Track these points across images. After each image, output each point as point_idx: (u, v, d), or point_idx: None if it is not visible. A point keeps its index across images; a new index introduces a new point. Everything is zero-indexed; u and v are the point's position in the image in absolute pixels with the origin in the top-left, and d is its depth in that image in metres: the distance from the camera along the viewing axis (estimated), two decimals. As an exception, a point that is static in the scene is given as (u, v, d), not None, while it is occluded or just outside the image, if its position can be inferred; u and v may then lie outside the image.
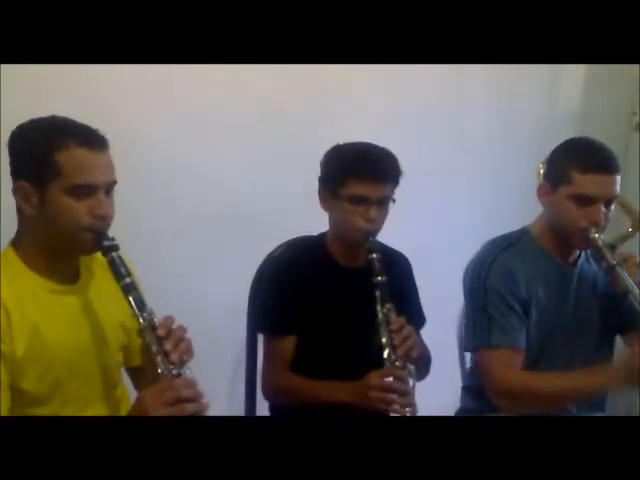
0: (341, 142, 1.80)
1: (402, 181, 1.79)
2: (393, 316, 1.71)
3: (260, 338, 1.94)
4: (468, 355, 2.05)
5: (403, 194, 1.80)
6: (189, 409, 1.31)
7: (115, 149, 1.43)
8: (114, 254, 1.40)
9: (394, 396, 1.65)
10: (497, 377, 1.76)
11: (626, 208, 2.03)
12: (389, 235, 1.83)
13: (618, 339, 1.97)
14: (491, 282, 1.79)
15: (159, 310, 1.40)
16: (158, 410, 1.30)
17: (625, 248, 1.88)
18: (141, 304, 1.38)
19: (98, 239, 1.40)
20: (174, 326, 1.38)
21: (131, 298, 1.38)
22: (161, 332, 1.35)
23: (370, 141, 1.79)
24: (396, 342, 1.69)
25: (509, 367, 1.75)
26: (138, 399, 1.37)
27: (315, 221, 1.87)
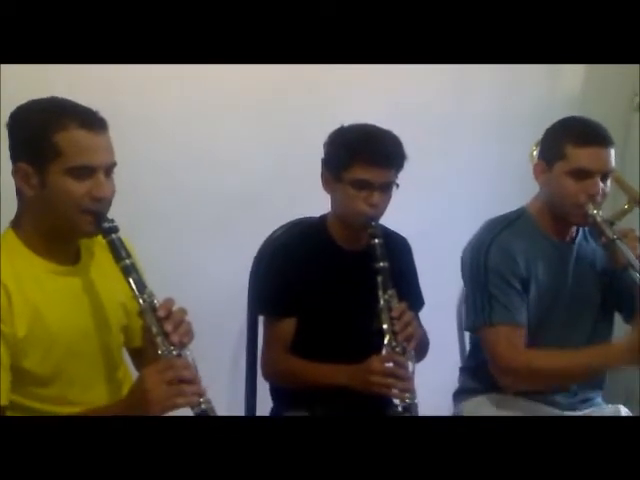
0: (345, 124, 1.79)
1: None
2: (395, 302, 1.72)
3: (261, 320, 1.95)
4: (467, 336, 2.06)
5: (402, 177, 1.79)
6: (188, 389, 1.32)
7: (117, 130, 1.43)
8: (114, 236, 1.40)
9: (394, 381, 1.66)
10: (501, 354, 1.76)
11: (622, 185, 2.04)
12: (388, 217, 1.83)
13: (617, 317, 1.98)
14: (491, 261, 1.79)
15: (160, 292, 1.40)
16: (158, 388, 1.31)
17: (622, 224, 1.88)
18: (141, 285, 1.38)
19: (97, 221, 1.40)
20: (174, 308, 1.38)
21: (131, 280, 1.38)
22: (161, 313, 1.36)
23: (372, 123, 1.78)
24: (397, 329, 1.69)
25: (512, 344, 1.76)
26: (139, 378, 1.37)
27: (317, 203, 1.86)
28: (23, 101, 1.41)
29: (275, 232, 2.02)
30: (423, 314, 1.94)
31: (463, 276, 1.90)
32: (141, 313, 1.37)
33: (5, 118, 1.41)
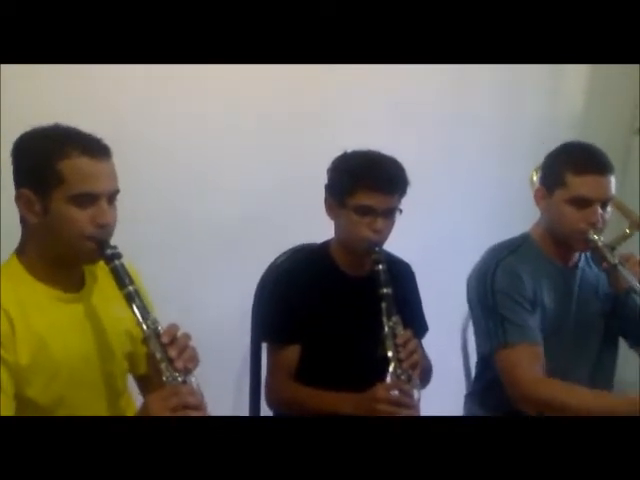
0: (348, 150, 1.80)
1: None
2: (399, 329, 1.71)
3: (264, 347, 1.93)
4: (472, 362, 2.04)
5: (404, 202, 1.79)
6: (192, 416, 1.30)
7: (118, 153, 1.43)
8: (116, 262, 1.39)
9: (399, 409, 1.64)
10: (520, 376, 1.74)
11: (623, 210, 2.05)
12: (391, 242, 1.82)
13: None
14: (498, 285, 1.79)
15: (163, 317, 1.40)
16: (162, 415, 1.29)
17: (623, 249, 1.88)
18: (145, 312, 1.37)
19: (100, 248, 1.39)
20: (178, 333, 1.38)
21: (134, 306, 1.38)
22: (165, 339, 1.35)
23: (372, 148, 1.78)
24: (402, 356, 1.68)
25: (531, 364, 1.74)
26: (143, 405, 1.37)
27: (319, 228, 1.86)
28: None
29: (278, 258, 2.02)
30: (426, 340, 1.93)
31: (470, 302, 1.90)
32: (145, 340, 1.37)
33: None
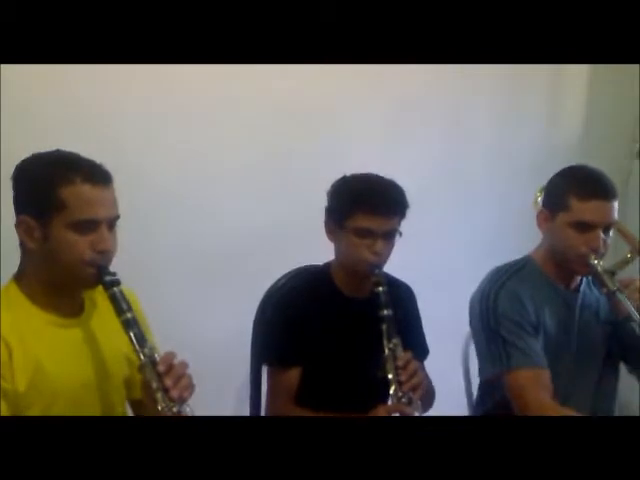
0: (348, 173, 1.80)
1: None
2: (400, 351, 1.71)
3: (264, 371, 1.93)
4: (474, 384, 2.03)
5: (405, 223, 1.79)
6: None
7: (118, 182, 1.44)
8: (115, 289, 1.40)
9: None
10: (530, 404, 1.72)
11: (624, 234, 2.04)
12: (392, 263, 1.82)
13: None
14: (501, 309, 1.79)
15: (161, 343, 1.40)
16: None
17: (625, 274, 1.87)
18: (142, 340, 1.38)
19: (99, 274, 1.40)
20: (175, 361, 1.37)
21: (132, 334, 1.38)
22: (161, 368, 1.35)
23: (372, 167, 1.79)
24: (402, 378, 1.68)
25: (539, 390, 1.73)
26: None
27: (318, 252, 1.86)
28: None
29: (279, 281, 2.01)
30: (428, 362, 1.92)
31: (472, 325, 1.89)
32: (141, 368, 1.36)
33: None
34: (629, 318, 1.72)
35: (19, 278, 1.45)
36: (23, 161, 1.42)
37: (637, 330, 1.71)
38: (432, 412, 1.85)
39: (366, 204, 1.73)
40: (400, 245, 1.79)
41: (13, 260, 1.46)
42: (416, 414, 1.68)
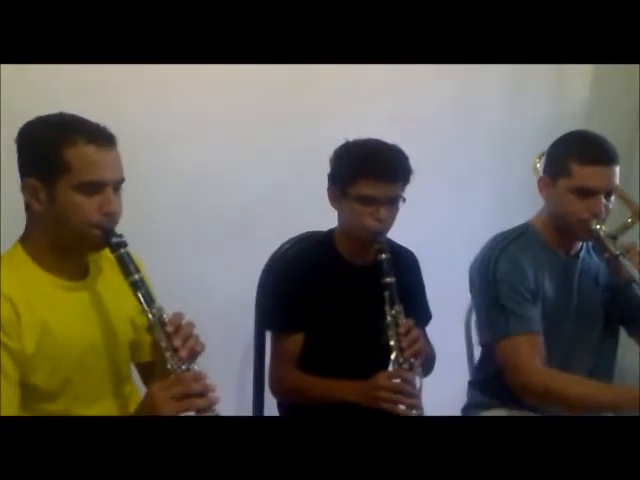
0: (350, 139, 1.79)
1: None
2: (402, 318, 1.71)
3: (268, 335, 1.94)
4: (476, 350, 2.05)
5: (408, 190, 1.79)
6: (198, 403, 1.32)
7: (122, 147, 1.44)
8: (122, 250, 1.40)
9: (401, 397, 1.65)
10: (520, 366, 1.75)
11: (625, 200, 2.05)
12: (394, 230, 1.82)
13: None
14: (500, 274, 1.79)
15: (167, 306, 1.40)
16: (167, 405, 1.30)
17: (626, 238, 1.88)
18: (150, 300, 1.38)
19: (106, 236, 1.40)
20: (183, 322, 1.38)
21: (140, 294, 1.38)
22: (170, 328, 1.35)
23: (377, 137, 1.78)
24: (404, 345, 1.69)
25: (532, 354, 1.75)
26: (147, 394, 1.37)
27: (323, 217, 1.86)
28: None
29: (283, 246, 2.02)
30: (430, 327, 1.94)
31: (472, 291, 1.90)
32: (150, 328, 1.37)
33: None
34: (631, 281, 1.73)
35: (25, 240, 1.44)
36: (26, 124, 1.41)
37: (639, 293, 1.71)
38: (433, 376, 1.87)
39: (369, 171, 1.71)
40: (404, 211, 1.79)
41: (18, 224, 1.46)
42: (416, 379, 1.70)
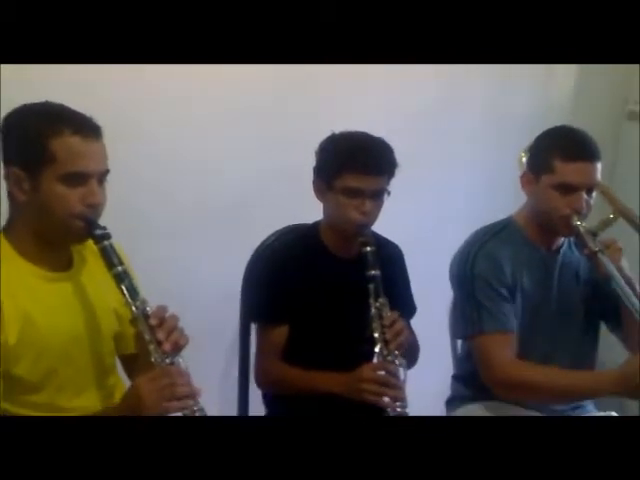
0: (336, 131, 1.79)
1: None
2: (386, 311, 1.72)
3: (253, 327, 1.94)
4: (459, 343, 2.07)
5: (393, 183, 1.79)
6: (180, 395, 1.32)
7: (109, 137, 1.43)
8: (106, 242, 1.39)
9: (385, 389, 1.66)
10: (492, 363, 1.76)
11: (608, 196, 2.06)
12: (380, 223, 1.83)
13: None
14: (478, 270, 1.80)
15: (152, 298, 1.40)
16: (151, 396, 1.31)
17: (606, 235, 1.89)
18: (133, 293, 1.38)
19: (90, 227, 1.39)
20: (167, 315, 1.38)
21: (123, 287, 1.38)
22: (153, 321, 1.35)
23: (364, 130, 1.78)
24: (388, 337, 1.70)
25: (503, 352, 1.76)
26: (132, 386, 1.37)
27: (309, 210, 1.86)
28: (23, 102, 1.40)
29: (268, 239, 2.01)
30: (415, 320, 1.95)
31: (452, 285, 1.91)
32: (133, 320, 1.37)
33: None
34: (610, 278, 1.75)
35: (7, 230, 1.43)
36: (12, 111, 1.40)
37: (618, 290, 1.73)
38: (417, 369, 1.88)
39: (354, 163, 1.71)
40: (389, 204, 1.79)
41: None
42: (400, 372, 1.71)
